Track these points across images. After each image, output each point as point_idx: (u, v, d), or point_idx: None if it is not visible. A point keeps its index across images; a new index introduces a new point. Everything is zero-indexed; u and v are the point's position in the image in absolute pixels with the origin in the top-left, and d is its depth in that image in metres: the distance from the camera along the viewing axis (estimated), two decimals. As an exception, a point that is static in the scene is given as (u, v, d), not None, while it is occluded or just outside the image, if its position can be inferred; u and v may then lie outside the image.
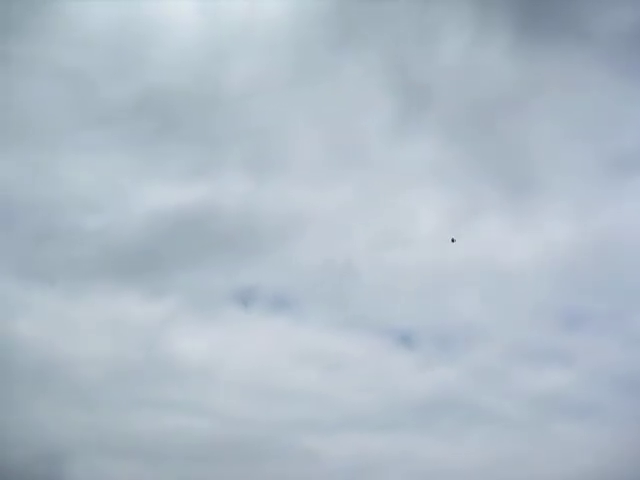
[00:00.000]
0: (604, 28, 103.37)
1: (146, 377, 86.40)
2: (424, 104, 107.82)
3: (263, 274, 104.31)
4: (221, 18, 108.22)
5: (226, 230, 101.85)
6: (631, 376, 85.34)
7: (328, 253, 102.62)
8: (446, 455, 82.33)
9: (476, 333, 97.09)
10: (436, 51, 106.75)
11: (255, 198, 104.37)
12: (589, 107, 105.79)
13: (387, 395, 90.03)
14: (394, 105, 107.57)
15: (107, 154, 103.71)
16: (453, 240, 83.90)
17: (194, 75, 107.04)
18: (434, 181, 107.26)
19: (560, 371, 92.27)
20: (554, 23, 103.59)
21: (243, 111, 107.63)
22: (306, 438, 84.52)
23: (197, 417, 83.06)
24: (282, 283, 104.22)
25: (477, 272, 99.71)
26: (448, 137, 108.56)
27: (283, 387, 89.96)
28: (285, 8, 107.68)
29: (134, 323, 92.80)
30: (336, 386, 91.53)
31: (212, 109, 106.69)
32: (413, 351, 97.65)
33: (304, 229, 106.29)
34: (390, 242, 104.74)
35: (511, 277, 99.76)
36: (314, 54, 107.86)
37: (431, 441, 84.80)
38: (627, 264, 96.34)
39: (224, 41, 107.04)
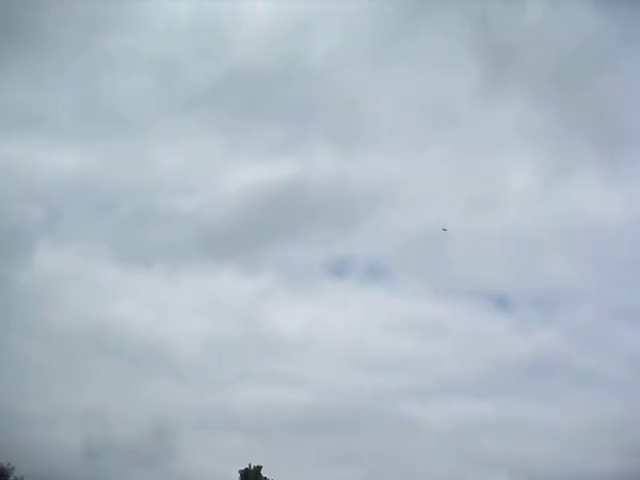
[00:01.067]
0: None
1: (244, 352, 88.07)
2: (510, 63, 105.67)
3: (356, 245, 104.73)
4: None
5: (317, 203, 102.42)
6: None
7: (420, 219, 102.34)
8: (547, 418, 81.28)
9: (573, 293, 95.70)
10: (519, 9, 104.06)
11: (344, 169, 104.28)
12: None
13: (485, 360, 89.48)
14: (479, 67, 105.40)
15: (195, 137, 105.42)
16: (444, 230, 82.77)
17: (276, 51, 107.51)
18: (524, 141, 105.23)
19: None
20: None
21: (326, 84, 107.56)
22: (405, 406, 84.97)
23: (296, 389, 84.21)
24: (375, 252, 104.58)
25: (571, 231, 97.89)
26: (536, 95, 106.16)
27: (380, 356, 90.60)
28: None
29: (231, 301, 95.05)
30: (433, 353, 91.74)
31: (295, 84, 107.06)
32: (510, 315, 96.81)
33: (395, 197, 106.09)
34: (482, 205, 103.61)
35: (606, 234, 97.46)
36: (395, 21, 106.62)
37: (531, 405, 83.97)
38: None
39: (303, 15, 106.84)
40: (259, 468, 63.25)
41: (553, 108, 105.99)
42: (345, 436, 77.95)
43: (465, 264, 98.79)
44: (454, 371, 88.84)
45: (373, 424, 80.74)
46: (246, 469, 63.01)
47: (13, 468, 57.33)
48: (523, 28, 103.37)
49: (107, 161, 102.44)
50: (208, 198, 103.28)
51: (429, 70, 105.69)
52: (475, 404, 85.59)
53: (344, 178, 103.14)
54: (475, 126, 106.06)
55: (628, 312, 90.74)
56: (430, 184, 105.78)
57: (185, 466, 68.70)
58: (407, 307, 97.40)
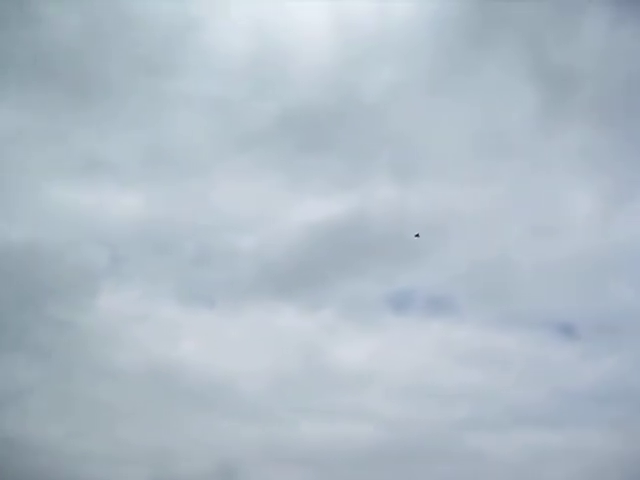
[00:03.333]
0: None
1: (307, 387, 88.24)
2: (569, 89, 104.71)
3: (417, 277, 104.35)
4: (353, 28, 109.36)
5: (378, 237, 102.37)
6: None
7: (481, 250, 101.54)
8: (617, 447, 79.16)
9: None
10: (578, 33, 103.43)
11: (404, 202, 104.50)
12: None
13: (552, 389, 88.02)
14: (538, 94, 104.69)
15: (256, 175, 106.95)
16: (417, 235, 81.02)
17: (332, 87, 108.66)
18: (586, 167, 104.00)
19: None
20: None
21: (384, 118, 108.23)
22: (471, 437, 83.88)
23: (360, 423, 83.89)
24: (438, 284, 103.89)
25: (636, 256, 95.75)
26: (596, 121, 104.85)
27: (445, 387, 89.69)
28: (417, 11, 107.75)
29: (293, 336, 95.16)
30: (499, 383, 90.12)
31: (353, 119, 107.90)
32: (576, 341, 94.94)
33: (456, 228, 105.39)
34: (546, 232, 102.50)
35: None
36: (451, 54, 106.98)
37: (600, 433, 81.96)
38: None
39: (359, 50, 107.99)
40: (323, 502, 63.14)
41: (615, 133, 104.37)
42: (411, 468, 77.46)
43: (529, 292, 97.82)
44: (521, 401, 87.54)
45: (439, 456, 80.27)
46: (310, 504, 62.93)
47: None
48: (583, 52, 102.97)
49: (170, 203, 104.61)
50: (269, 235, 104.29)
51: (488, 101, 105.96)
52: (543, 434, 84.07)
53: (405, 211, 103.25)
54: (536, 154, 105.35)
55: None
56: (492, 214, 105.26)
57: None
58: (472, 338, 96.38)
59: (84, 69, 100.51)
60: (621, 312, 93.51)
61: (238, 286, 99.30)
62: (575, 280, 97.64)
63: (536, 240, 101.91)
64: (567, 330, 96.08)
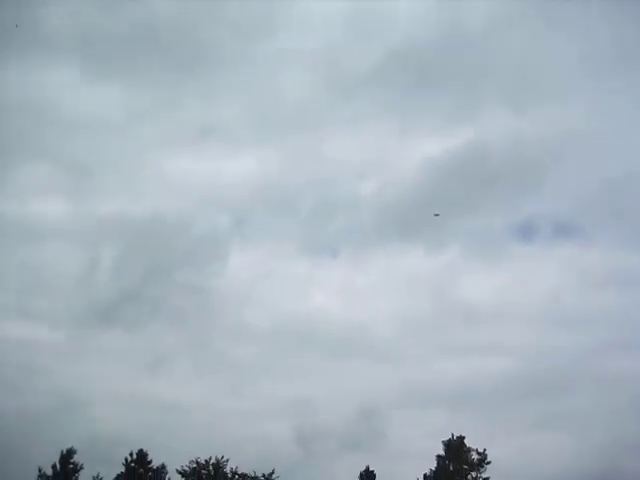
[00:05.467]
0: None
1: (439, 326, 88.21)
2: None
3: (542, 204, 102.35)
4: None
5: (496, 168, 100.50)
6: None
7: (607, 168, 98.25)
8: None
9: None
10: None
11: (520, 129, 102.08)
12: None
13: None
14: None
15: (367, 121, 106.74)
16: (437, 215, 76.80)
17: (435, 22, 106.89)
18: None
19: None
20: None
21: (491, 47, 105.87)
22: (611, 361, 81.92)
23: (495, 357, 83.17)
24: (562, 209, 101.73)
25: None
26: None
27: (580, 313, 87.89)
28: None
29: (420, 277, 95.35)
30: (635, 303, 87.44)
31: (460, 52, 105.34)
32: None
33: (577, 150, 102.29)
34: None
35: None
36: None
37: None
38: None
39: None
40: (462, 438, 63.51)
41: None
42: (550, 399, 76.26)
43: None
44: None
45: (578, 384, 78.53)
46: (449, 440, 63.47)
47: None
48: None
49: (284, 160, 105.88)
50: (388, 179, 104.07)
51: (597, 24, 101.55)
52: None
53: (522, 138, 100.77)
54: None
55: None
56: (613, 133, 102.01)
57: (392, 444, 69.72)
58: (604, 260, 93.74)
59: (188, 40, 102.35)
60: None
61: (361, 233, 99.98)
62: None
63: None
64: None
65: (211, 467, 59.39)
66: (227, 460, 59.91)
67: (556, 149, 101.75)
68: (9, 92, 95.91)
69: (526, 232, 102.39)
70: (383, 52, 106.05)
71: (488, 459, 62.84)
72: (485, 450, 62.68)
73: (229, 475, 60.03)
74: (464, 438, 63.58)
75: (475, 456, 62.80)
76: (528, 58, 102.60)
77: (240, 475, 60.37)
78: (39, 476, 53.95)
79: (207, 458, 59.65)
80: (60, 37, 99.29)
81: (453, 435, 63.74)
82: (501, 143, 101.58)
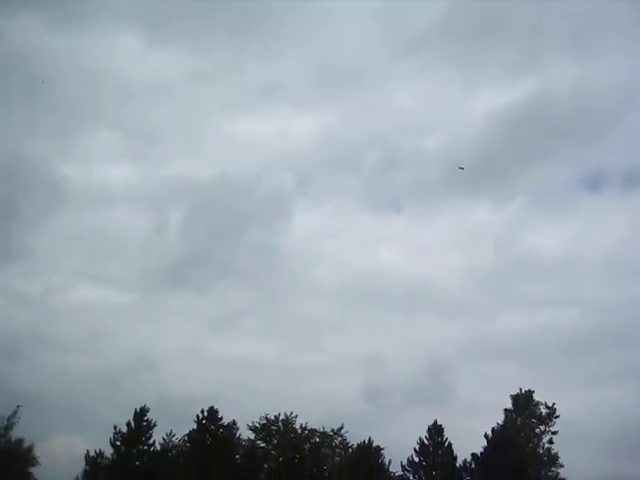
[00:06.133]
0: None
1: (507, 280, 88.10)
2: None
3: (609, 153, 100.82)
4: None
5: (562, 118, 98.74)
6: None
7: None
8: None
9: None
10: None
11: (585, 78, 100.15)
12: None
13: None
14: None
15: (429, 75, 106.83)
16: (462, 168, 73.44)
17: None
18: None
19: None
20: None
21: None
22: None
23: (563, 310, 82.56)
24: (632, 159, 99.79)
25: None
26: None
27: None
28: None
29: (487, 231, 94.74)
30: None
31: (522, 2, 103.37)
32: None
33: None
34: None
35: None
36: None
37: None
38: None
39: None
40: (530, 392, 63.03)
41: None
42: (619, 353, 75.21)
43: None
44: None
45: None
46: (517, 394, 63.03)
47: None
48: None
49: (346, 117, 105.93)
50: (452, 132, 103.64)
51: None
52: None
53: (587, 87, 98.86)
54: None
55: None
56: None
57: (459, 398, 69.86)
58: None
59: (242, 3, 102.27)
60: None
61: (425, 188, 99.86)
62: None
63: None
64: None
65: (280, 423, 60.10)
66: (296, 416, 60.36)
67: (623, 97, 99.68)
68: (74, 61, 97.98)
69: (594, 183, 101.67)
70: (445, 4, 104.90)
71: (557, 413, 62.30)
72: (554, 404, 62.08)
73: (298, 430, 60.81)
74: (533, 392, 62.90)
75: (544, 410, 62.15)
76: (591, 5, 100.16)
77: (309, 430, 61.06)
78: (115, 433, 55.41)
79: (276, 414, 60.39)
80: (121, 5, 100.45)
81: (521, 389, 63.27)
82: (566, 93, 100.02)
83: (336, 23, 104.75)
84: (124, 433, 55.07)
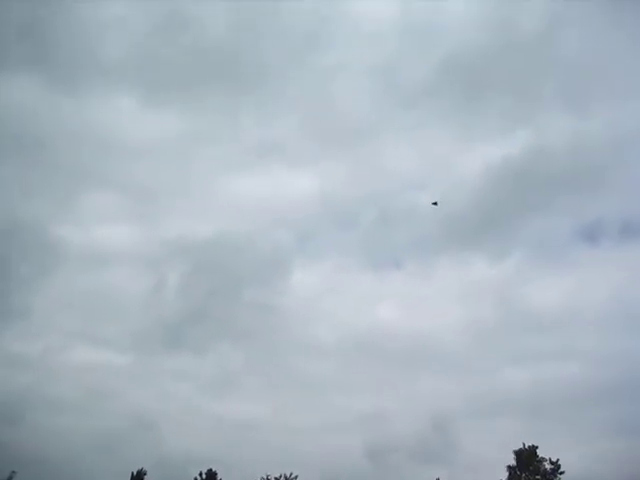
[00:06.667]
0: None
1: (507, 334, 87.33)
2: None
3: (607, 204, 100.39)
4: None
5: (557, 171, 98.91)
6: None
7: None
8: None
9: None
10: None
11: (581, 130, 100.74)
12: None
13: None
14: None
15: (424, 131, 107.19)
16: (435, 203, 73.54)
17: (486, 25, 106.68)
18: None
19: None
20: None
21: (547, 48, 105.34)
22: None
23: (565, 363, 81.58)
24: (629, 210, 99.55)
25: None
26: None
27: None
28: None
29: (485, 285, 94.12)
30: None
31: (513, 54, 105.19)
32: None
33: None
34: None
35: None
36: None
37: None
38: None
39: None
40: (534, 448, 62.06)
41: None
42: (624, 406, 73.76)
43: None
44: None
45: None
46: (520, 450, 62.07)
47: None
48: None
49: (344, 174, 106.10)
50: (448, 187, 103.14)
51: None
52: None
53: (583, 139, 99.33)
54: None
55: None
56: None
57: (463, 455, 68.80)
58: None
59: (241, 61, 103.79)
60: None
61: (424, 244, 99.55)
62: None
63: None
64: None
65: (280, 484, 59.39)
66: (296, 477, 59.78)
67: (619, 149, 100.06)
68: (72, 122, 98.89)
69: (591, 235, 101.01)
70: (438, 60, 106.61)
71: (562, 469, 61.26)
72: (558, 460, 61.09)
73: (299, 492, 59.86)
74: (536, 447, 61.99)
75: (548, 466, 61.12)
76: (585, 58, 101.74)
77: (310, 491, 60.29)
78: (112, 498, 54.86)
79: (277, 475, 59.69)
80: (118, 67, 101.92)
81: (524, 444, 62.35)
82: (561, 145, 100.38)
83: (332, 81, 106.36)
84: (121, 497, 54.48)
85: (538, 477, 61.01)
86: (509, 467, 61.57)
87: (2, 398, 65.52)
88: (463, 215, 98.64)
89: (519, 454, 62.06)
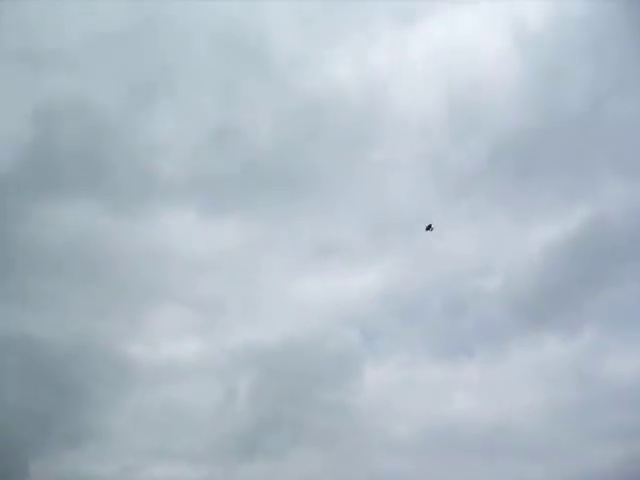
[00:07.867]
0: None
1: (589, 411, 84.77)
2: None
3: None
4: (533, 39, 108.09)
5: (622, 240, 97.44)
6: None
7: None
8: None
9: None
10: None
11: (637, 195, 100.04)
12: None
13: None
14: None
15: (481, 215, 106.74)
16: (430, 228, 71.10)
17: (531, 107, 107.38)
18: None
19: None
20: None
21: (595, 121, 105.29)
22: None
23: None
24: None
25: None
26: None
27: None
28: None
29: (561, 363, 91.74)
30: None
31: (562, 131, 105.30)
32: None
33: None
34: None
35: None
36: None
37: None
38: None
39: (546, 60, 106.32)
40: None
41: None
42: None
43: None
44: None
45: None
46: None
47: None
48: None
49: (404, 268, 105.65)
50: (512, 269, 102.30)
51: None
52: None
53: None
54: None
55: None
56: None
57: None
58: None
59: (293, 166, 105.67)
60: None
61: (493, 327, 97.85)
62: None
63: None
64: None
65: None
66: None
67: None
68: (135, 242, 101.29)
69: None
70: (487, 147, 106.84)
71: None
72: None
73: None
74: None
75: None
76: (634, 122, 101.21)
77: None
78: None
79: None
80: (174, 183, 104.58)
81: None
82: (621, 212, 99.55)
83: (385, 176, 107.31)
84: None
85: None
86: None
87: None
88: (530, 294, 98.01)
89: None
